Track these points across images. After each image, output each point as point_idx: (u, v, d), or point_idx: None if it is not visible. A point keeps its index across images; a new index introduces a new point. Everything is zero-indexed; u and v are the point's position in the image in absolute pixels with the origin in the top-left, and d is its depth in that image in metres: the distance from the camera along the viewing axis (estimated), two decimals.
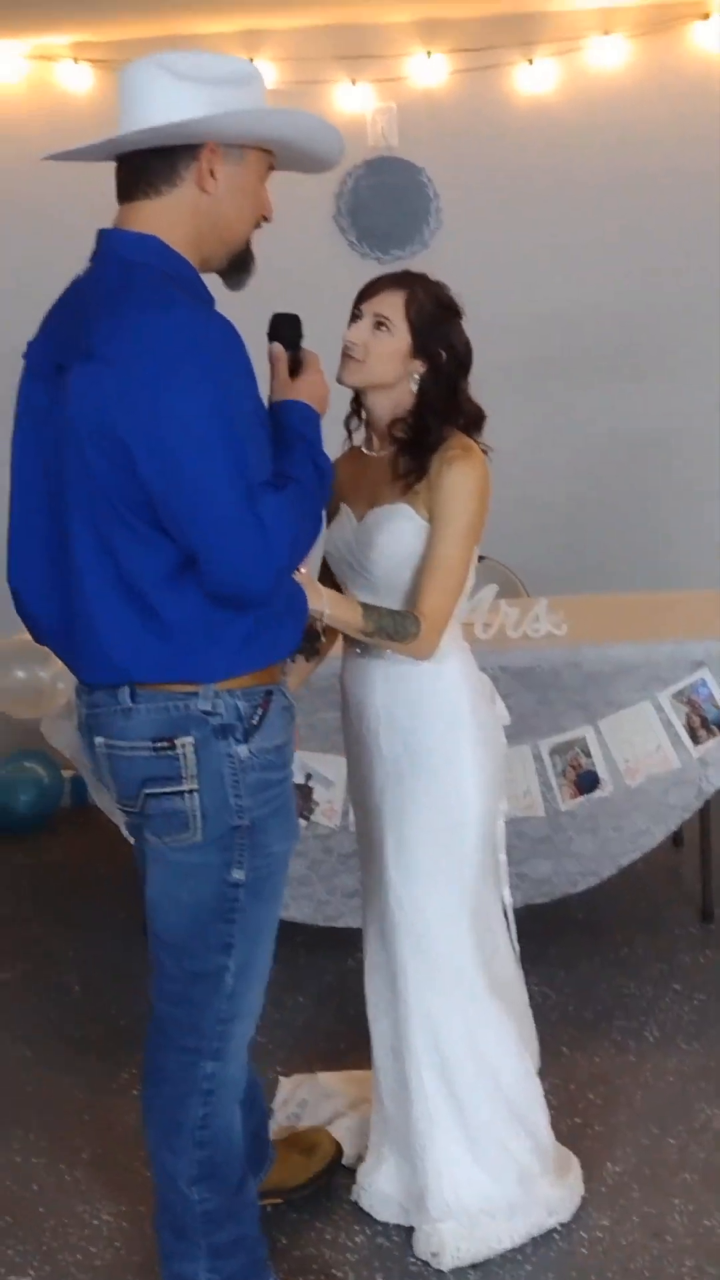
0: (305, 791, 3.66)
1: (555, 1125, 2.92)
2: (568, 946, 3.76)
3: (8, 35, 4.60)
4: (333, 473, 2.19)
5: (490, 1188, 2.56)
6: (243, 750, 2.10)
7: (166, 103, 2.02)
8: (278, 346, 2.23)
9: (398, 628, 2.39)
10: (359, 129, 4.76)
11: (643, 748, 3.68)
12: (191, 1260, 2.26)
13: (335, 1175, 2.76)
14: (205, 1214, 2.24)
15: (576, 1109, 3.00)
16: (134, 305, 1.97)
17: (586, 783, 3.68)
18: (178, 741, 2.07)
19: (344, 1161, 2.81)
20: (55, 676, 3.57)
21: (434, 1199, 2.54)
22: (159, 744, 2.08)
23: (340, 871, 3.65)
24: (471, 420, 2.50)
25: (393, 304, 2.42)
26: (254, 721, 2.11)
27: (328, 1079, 3.09)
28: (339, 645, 2.67)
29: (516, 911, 3.75)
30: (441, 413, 2.45)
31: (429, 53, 4.69)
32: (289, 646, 2.17)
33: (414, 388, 2.45)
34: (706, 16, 4.63)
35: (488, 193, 4.78)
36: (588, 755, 3.68)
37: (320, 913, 3.69)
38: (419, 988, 2.54)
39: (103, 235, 2.12)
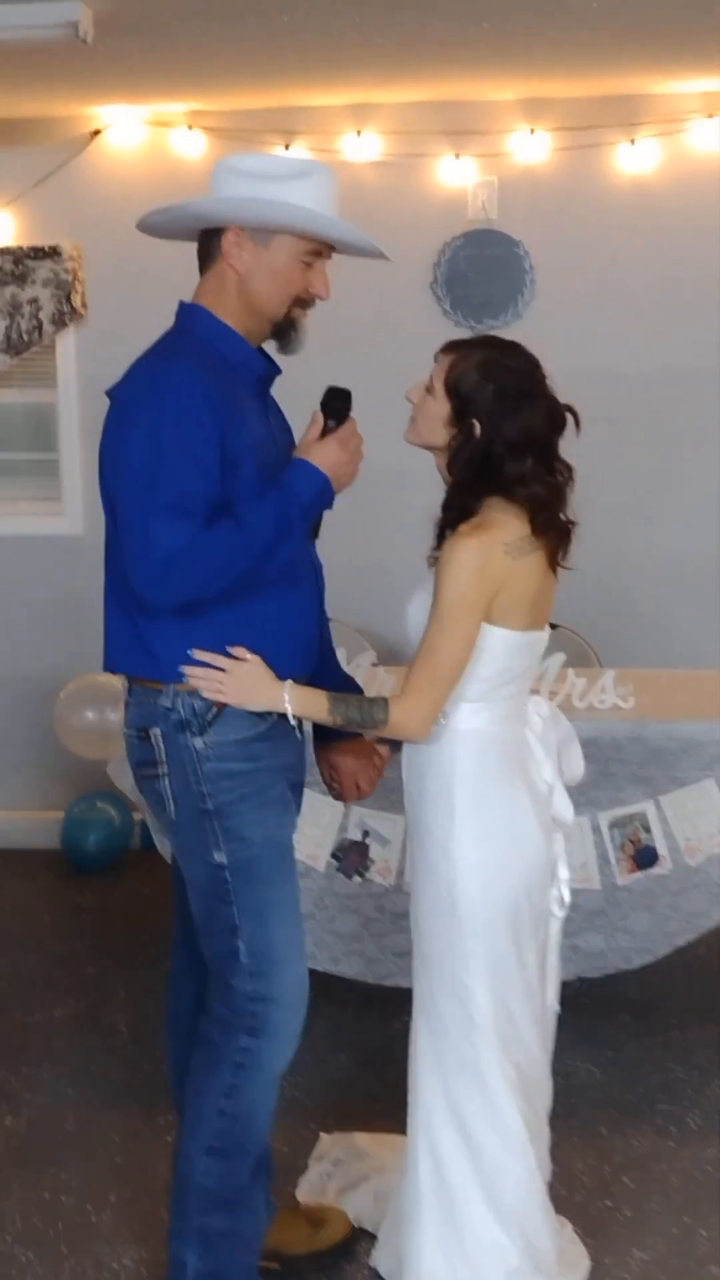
0: (361, 849, 3.68)
1: (585, 1208, 2.90)
2: (617, 1025, 3.71)
3: (129, 101, 4.77)
4: (293, 534, 2.33)
5: (470, 1278, 2.50)
6: (199, 742, 2.35)
7: (214, 192, 2.36)
8: (319, 413, 2.41)
9: (365, 717, 2.36)
10: (460, 201, 4.85)
11: (704, 827, 3.65)
12: (183, 1241, 2.41)
13: (341, 1257, 2.73)
14: (205, 1189, 2.38)
15: (609, 1192, 2.96)
16: (145, 359, 2.37)
17: (645, 858, 3.65)
18: (151, 731, 2.38)
19: (368, 1226, 2.80)
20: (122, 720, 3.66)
21: (410, 1273, 2.52)
22: (141, 732, 2.40)
23: (392, 931, 3.66)
24: (533, 504, 2.37)
25: (441, 369, 2.40)
26: (208, 718, 2.34)
27: (364, 1140, 3.08)
28: None
29: (568, 984, 3.74)
30: (469, 486, 2.38)
31: (532, 130, 4.77)
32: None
33: None
34: None
35: (584, 268, 4.83)
36: (647, 831, 3.65)
37: (370, 970, 3.70)
38: (428, 1066, 2.51)
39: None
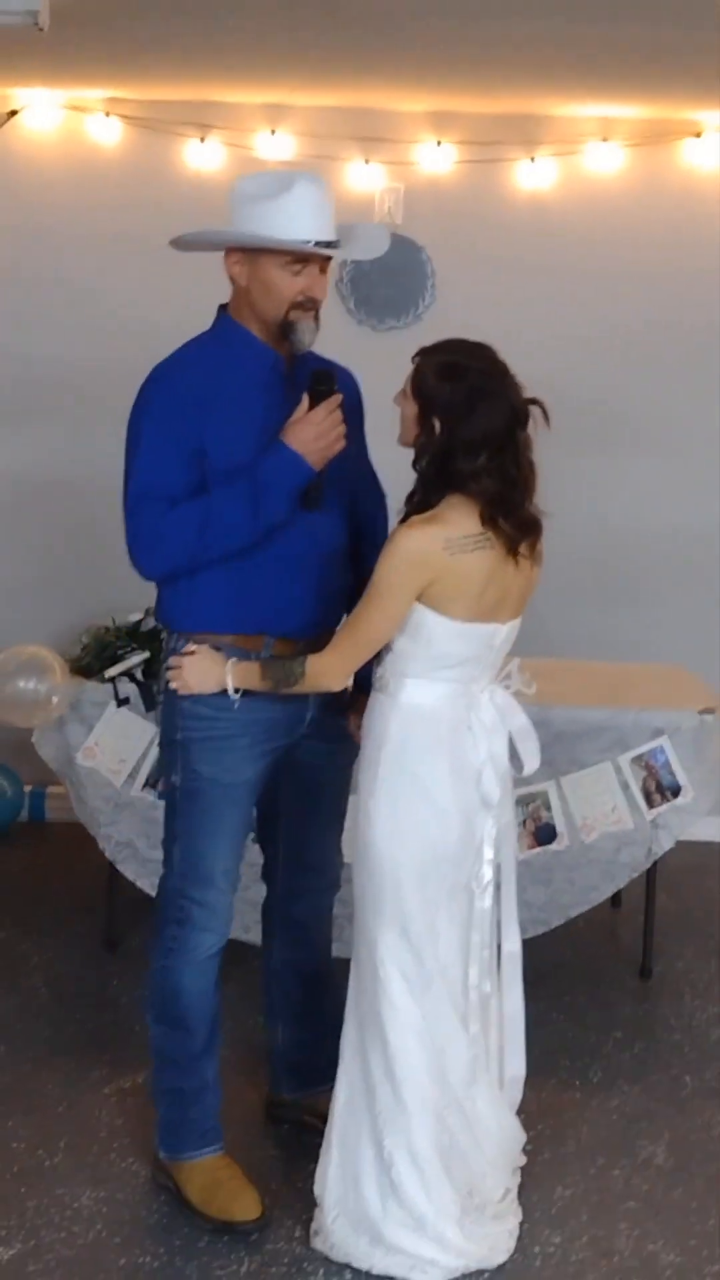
0: None
1: None
2: None
3: (45, 85, 4.81)
4: (267, 508, 2.61)
5: (355, 1205, 2.67)
6: None
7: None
8: (305, 397, 2.67)
9: (286, 674, 2.62)
10: (367, 205, 5.02)
11: (600, 807, 3.91)
12: (157, 1095, 2.89)
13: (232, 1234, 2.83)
14: (157, 1049, 2.86)
15: (529, 1136, 3.17)
16: None
17: (544, 835, 3.89)
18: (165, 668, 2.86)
19: None
20: (51, 690, 3.72)
21: (318, 1186, 2.73)
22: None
23: None
24: (484, 499, 2.55)
25: (411, 372, 2.61)
26: None
27: None
28: None
29: None
30: (431, 482, 2.57)
31: (439, 141, 4.98)
32: (222, 624, 2.73)
33: None
34: (699, 135, 4.97)
35: (481, 276, 5.05)
36: (548, 809, 3.89)
37: None
38: (351, 1007, 2.72)
39: None
